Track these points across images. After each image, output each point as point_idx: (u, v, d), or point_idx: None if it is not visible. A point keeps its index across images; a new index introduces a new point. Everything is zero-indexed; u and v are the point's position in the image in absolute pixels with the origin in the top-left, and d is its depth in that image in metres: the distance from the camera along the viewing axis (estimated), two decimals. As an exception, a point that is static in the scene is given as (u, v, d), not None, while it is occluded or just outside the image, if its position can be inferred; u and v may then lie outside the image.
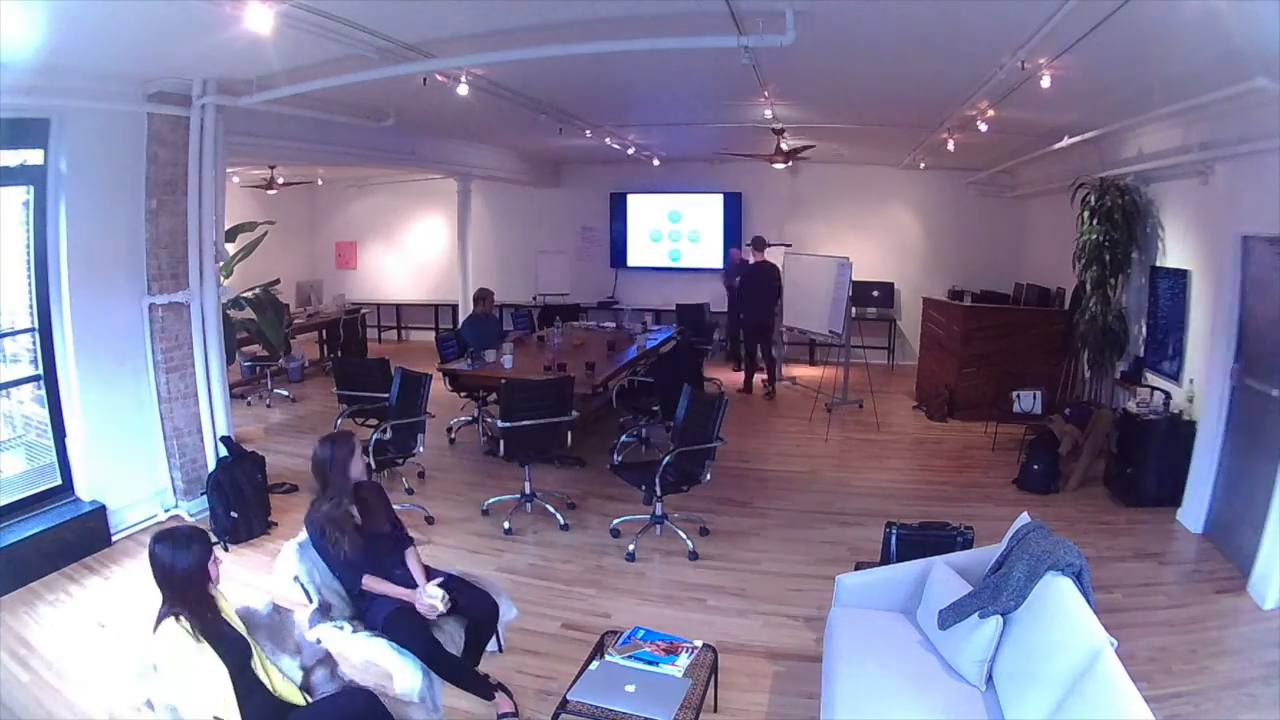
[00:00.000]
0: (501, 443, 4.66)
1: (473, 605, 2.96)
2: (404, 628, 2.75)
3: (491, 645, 3.10)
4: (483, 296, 7.14)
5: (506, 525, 4.70)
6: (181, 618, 2.17)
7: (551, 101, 5.93)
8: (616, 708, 2.52)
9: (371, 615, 2.85)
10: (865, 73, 4.78)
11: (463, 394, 6.30)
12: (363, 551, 2.89)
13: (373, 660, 2.72)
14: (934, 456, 6.36)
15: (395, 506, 4.76)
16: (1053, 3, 3.15)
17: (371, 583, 2.87)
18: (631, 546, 4.36)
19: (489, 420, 6.15)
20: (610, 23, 3.65)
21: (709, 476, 4.43)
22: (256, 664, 2.31)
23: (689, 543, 4.38)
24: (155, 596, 2.24)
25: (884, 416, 7.27)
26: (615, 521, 4.68)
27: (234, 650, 2.25)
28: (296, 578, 2.88)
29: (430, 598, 2.81)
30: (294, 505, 5.01)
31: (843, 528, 4.78)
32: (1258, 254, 4.24)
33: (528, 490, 4.93)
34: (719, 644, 3.04)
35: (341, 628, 2.79)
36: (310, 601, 2.88)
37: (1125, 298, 5.92)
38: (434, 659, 2.70)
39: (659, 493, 4.36)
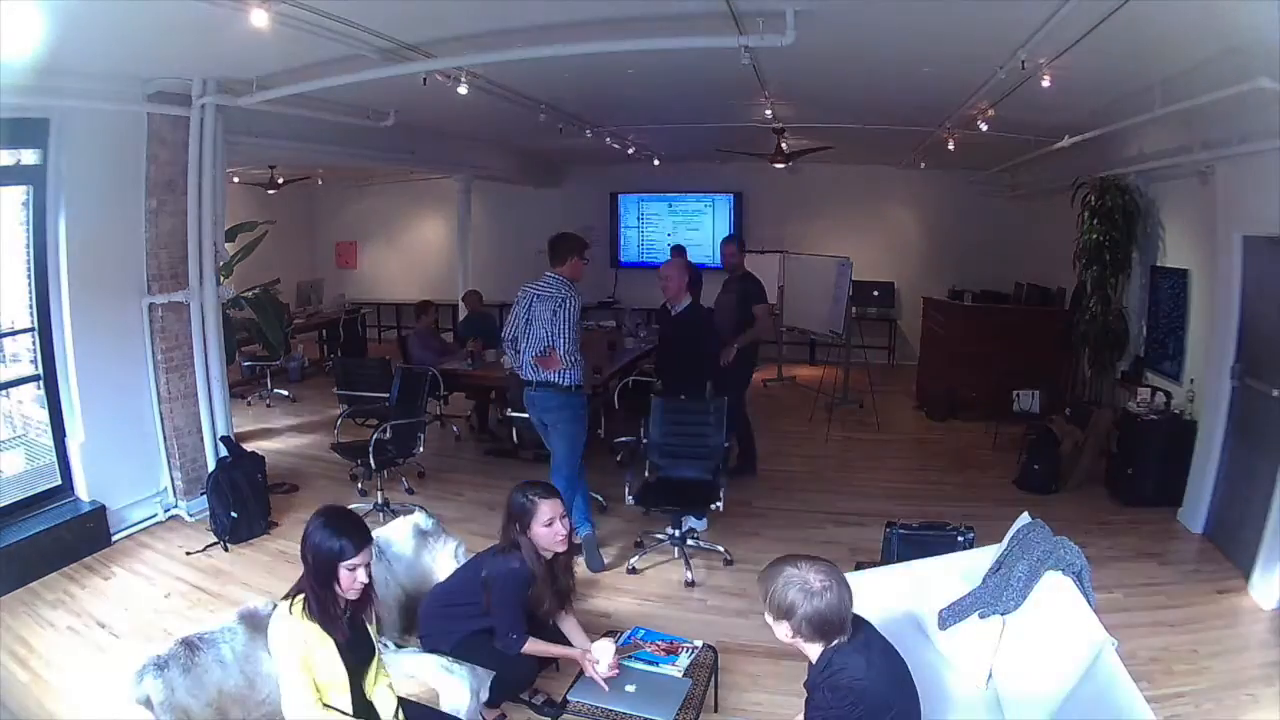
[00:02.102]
0: (514, 430, 4.64)
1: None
2: (480, 649, 2.75)
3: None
4: (465, 297, 7.80)
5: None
6: (308, 601, 2.15)
7: (551, 101, 5.93)
8: (616, 708, 2.53)
9: (435, 639, 2.82)
10: (865, 73, 4.78)
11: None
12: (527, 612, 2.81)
13: (417, 676, 2.72)
14: (934, 456, 6.36)
15: (394, 506, 4.79)
16: (1053, 3, 3.15)
17: (534, 647, 2.76)
18: (634, 560, 4.28)
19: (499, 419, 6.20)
20: (610, 23, 3.65)
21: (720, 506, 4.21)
22: (369, 679, 2.29)
23: (689, 574, 4.13)
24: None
25: (884, 416, 7.27)
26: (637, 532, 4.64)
27: (354, 652, 2.24)
28: None
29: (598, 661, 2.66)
30: (294, 505, 5.02)
31: (843, 528, 4.78)
32: (1258, 254, 4.24)
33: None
34: (719, 644, 3.04)
35: (387, 645, 2.76)
36: None
37: (1125, 298, 5.92)
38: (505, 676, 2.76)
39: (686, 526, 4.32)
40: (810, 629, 1.94)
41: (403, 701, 2.39)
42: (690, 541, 4.36)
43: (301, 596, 2.15)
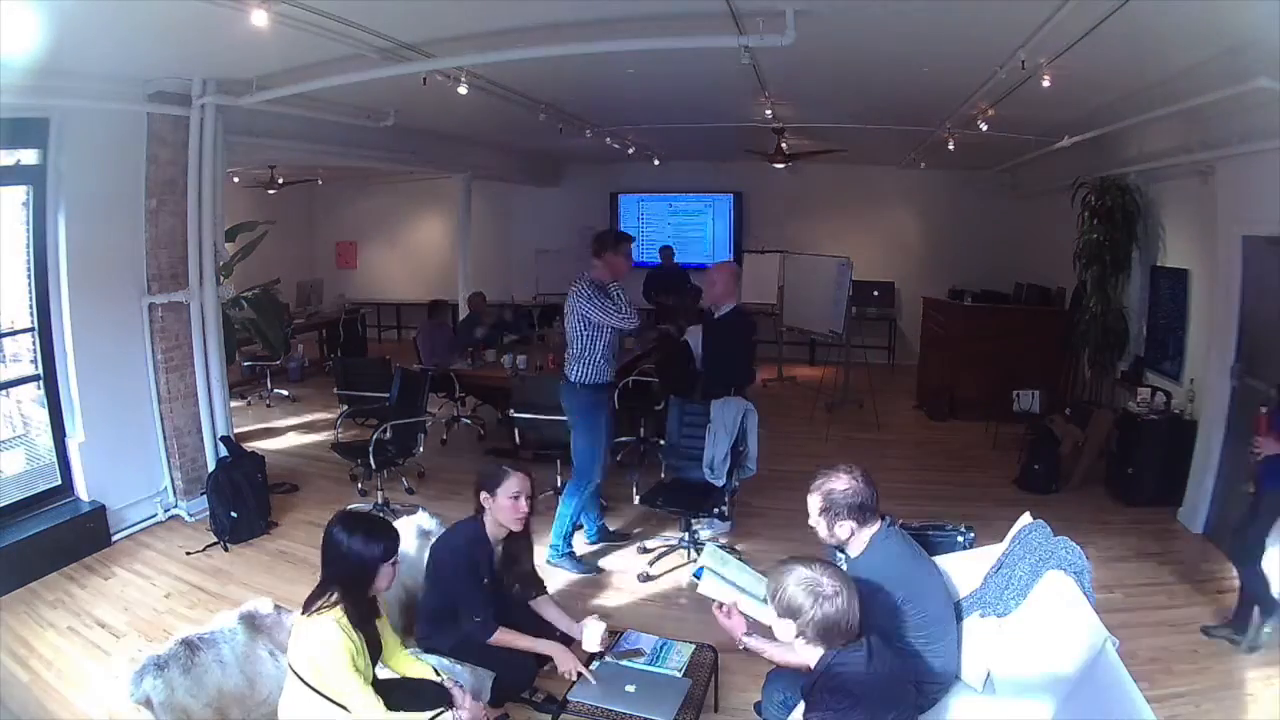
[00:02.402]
0: (515, 431, 4.72)
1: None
2: (479, 650, 2.75)
3: None
4: (470, 299, 7.85)
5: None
6: (347, 610, 2.19)
7: (551, 101, 5.93)
8: (616, 708, 2.53)
9: (434, 639, 2.83)
10: (865, 73, 4.78)
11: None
12: (494, 598, 2.81)
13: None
14: (934, 456, 6.36)
15: (394, 506, 4.78)
16: (1053, 2, 3.15)
17: (504, 637, 2.76)
18: (648, 567, 4.23)
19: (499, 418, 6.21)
20: (610, 23, 3.66)
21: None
22: (392, 656, 2.42)
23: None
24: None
25: (884, 416, 7.27)
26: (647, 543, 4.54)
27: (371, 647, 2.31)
28: None
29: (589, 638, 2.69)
30: (294, 505, 5.02)
31: (843, 528, 4.76)
32: (1258, 254, 4.24)
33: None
34: (719, 644, 3.04)
35: None
36: None
37: (1125, 298, 5.92)
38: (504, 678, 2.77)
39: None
40: (816, 632, 1.93)
41: (404, 680, 2.46)
42: (695, 541, 4.37)
43: (341, 606, 2.19)
